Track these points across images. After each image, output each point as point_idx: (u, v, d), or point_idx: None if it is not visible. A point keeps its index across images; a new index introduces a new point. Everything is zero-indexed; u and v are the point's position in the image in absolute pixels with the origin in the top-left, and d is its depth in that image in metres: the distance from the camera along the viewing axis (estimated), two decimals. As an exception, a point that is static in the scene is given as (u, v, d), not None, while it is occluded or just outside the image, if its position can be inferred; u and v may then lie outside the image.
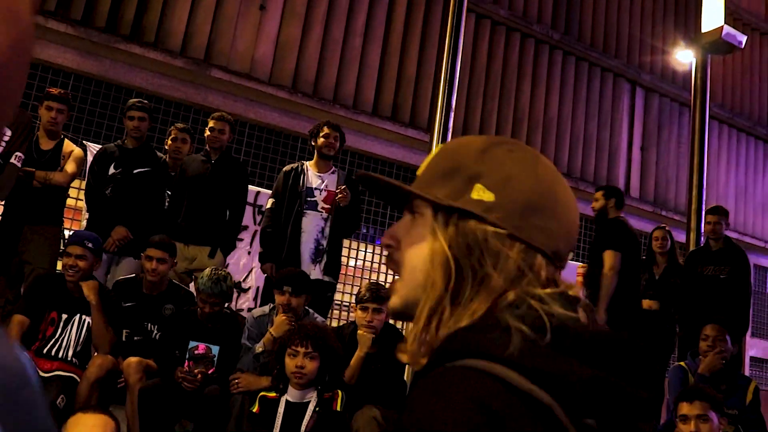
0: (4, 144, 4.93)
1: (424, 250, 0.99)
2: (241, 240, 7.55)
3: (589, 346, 0.86)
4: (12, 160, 4.95)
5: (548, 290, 0.93)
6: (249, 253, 7.47)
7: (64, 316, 4.61)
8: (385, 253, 1.09)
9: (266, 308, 4.85)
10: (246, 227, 7.35)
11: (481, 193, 0.98)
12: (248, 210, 7.16)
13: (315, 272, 5.38)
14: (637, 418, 0.85)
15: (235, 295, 7.43)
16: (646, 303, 6.89)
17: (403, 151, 9.86)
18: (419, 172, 1.07)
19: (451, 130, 7.39)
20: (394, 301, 1.03)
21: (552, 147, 11.04)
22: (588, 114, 11.59)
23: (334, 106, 9.32)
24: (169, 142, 5.99)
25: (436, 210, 0.99)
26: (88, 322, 4.61)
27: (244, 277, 7.52)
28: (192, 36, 8.63)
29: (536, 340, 0.85)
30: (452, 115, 7.23)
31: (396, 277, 1.05)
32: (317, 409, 3.89)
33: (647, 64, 12.40)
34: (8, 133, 4.93)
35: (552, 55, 11.33)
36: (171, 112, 8.64)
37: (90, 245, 4.65)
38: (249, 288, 7.53)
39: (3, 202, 5.33)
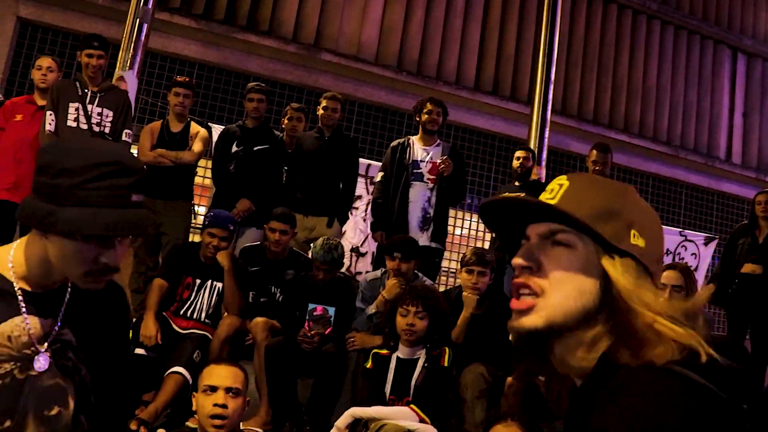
0: (109, 124, 5.18)
1: (582, 281, 1.06)
2: (357, 209, 7.73)
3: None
4: (123, 138, 5.22)
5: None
6: (364, 220, 7.63)
7: (198, 281, 4.85)
8: (516, 273, 1.11)
9: (378, 272, 4.96)
10: (360, 197, 7.52)
11: (636, 239, 1.07)
12: (361, 181, 7.31)
13: (423, 239, 5.44)
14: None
15: (354, 258, 7.63)
16: (749, 267, 6.61)
17: (503, 123, 9.77)
18: (557, 203, 1.10)
19: (550, 102, 7.31)
20: (535, 320, 1.06)
21: (651, 116, 10.69)
22: (688, 82, 11.13)
23: (438, 83, 9.33)
24: (286, 121, 6.16)
25: (596, 246, 1.07)
26: (218, 287, 4.83)
27: (361, 242, 7.68)
28: (302, 23, 8.80)
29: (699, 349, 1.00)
30: (551, 87, 7.14)
31: (530, 296, 1.08)
32: (426, 365, 3.96)
33: (749, 29, 11.78)
34: (110, 114, 5.19)
35: (650, 25, 10.93)
36: (285, 94, 8.85)
37: (231, 228, 4.89)
38: (366, 252, 7.69)
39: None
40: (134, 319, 4.53)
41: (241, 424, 4.36)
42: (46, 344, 1.50)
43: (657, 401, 0.90)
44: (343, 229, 6.91)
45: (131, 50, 5.94)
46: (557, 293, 1.05)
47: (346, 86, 9.08)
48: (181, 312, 4.76)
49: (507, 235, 1.20)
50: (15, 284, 1.49)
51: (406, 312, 3.96)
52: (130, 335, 4.17)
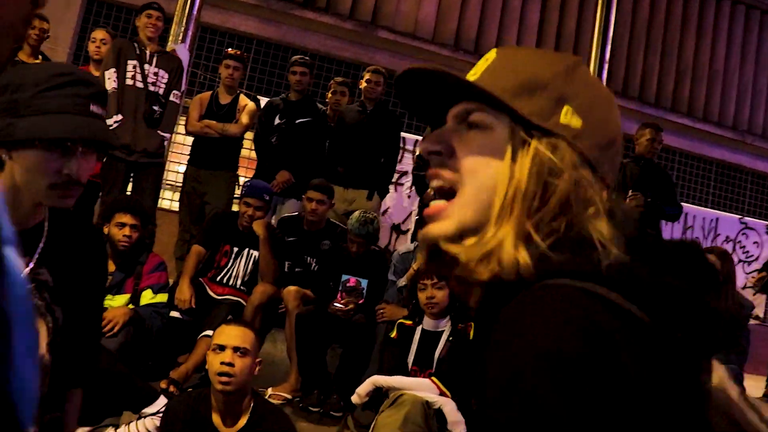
0: (164, 85, 5.25)
1: (496, 170, 0.85)
2: (402, 185, 7.67)
3: (678, 263, 0.79)
4: (171, 98, 5.27)
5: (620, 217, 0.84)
6: (409, 197, 7.57)
7: (236, 249, 4.90)
8: (426, 157, 0.92)
9: (411, 246, 4.92)
10: (406, 173, 7.46)
11: (569, 117, 0.86)
12: (408, 157, 7.25)
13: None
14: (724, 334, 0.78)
15: (394, 236, 7.59)
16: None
17: (561, 105, 9.54)
18: (477, 78, 0.90)
19: (605, 83, 7.08)
20: (447, 226, 0.87)
21: (717, 99, 10.25)
22: (759, 65, 10.62)
23: (494, 63, 9.16)
24: (330, 95, 6.15)
25: (514, 126, 0.86)
26: (255, 256, 4.88)
27: (403, 219, 7.64)
28: (360, 0, 8.75)
29: (626, 259, 0.77)
30: (606, 67, 6.92)
31: (441, 199, 0.90)
32: (450, 338, 3.91)
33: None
34: (165, 75, 5.25)
35: (719, 6, 10.46)
36: (342, 71, 8.83)
37: (267, 198, 4.92)
38: (408, 230, 7.64)
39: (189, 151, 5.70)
40: (171, 282, 4.62)
41: (270, 389, 4.45)
42: None
43: (559, 334, 0.69)
44: (387, 206, 6.85)
45: (183, 24, 5.99)
46: (468, 187, 0.86)
47: (402, 64, 8.98)
48: (218, 278, 4.82)
49: (431, 122, 1.00)
50: None
51: (423, 286, 3.93)
52: (153, 294, 4.25)
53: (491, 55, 0.92)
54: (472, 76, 0.91)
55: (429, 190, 5.01)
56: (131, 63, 5.16)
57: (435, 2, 9.03)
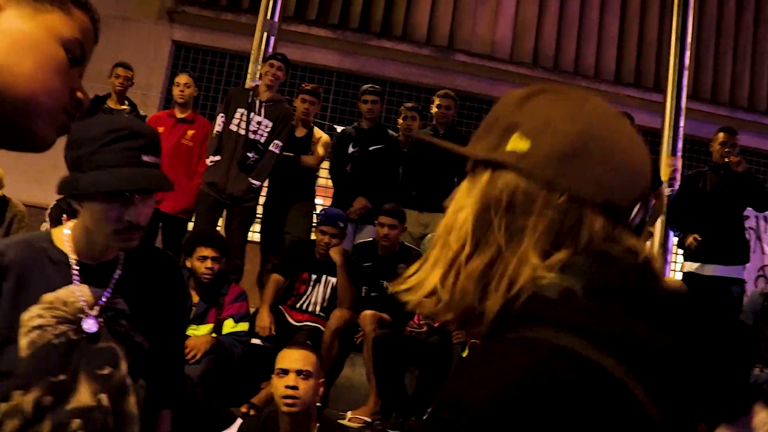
0: (266, 134, 5.50)
1: (455, 208, 0.87)
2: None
3: (664, 310, 0.75)
4: (271, 148, 5.51)
5: (605, 247, 0.79)
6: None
7: (314, 277, 5.05)
8: None
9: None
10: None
11: (516, 143, 0.83)
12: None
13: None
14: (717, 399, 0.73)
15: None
16: None
17: (648, 116, 9.29)
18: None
19: (684, 89, 6.89)
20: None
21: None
22: None
23: (575, 78, 9.07)
24: (401, 120, 6.26)
25: (474, 166, 0.86)
26: (333, 282, 5.01)
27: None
28: (435, 26, 8.88)
29: (600, 302, 0.73)
30: (686, 74, 6.75)
31: None
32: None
33: None
34: (269, 125, 5.50)
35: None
36: (422, 97, 8.93)
37: (341, 224, 5.06)
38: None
39: (267, 183, 5.92)
40: (252, 311, 4.81)
41: (350, 412, 4.54)
42: (96, 309, 1.69)
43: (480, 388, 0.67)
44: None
45: (260, 62, 6.26)
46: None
47: (481, 85, 9.05)
48: (297, 305, 4.98)
49: None
50: (70, 257, 1.70)
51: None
52: (234, 323, 4.44)
53: None
54: None
55: None
56: (240, 111, 5.50)
57: (511, 21, 9.04)
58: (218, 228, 5.52)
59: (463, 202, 0.85)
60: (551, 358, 0.68)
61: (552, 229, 0.79)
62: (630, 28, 9.23)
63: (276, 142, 5.52)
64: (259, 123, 5.50)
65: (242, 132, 5.47)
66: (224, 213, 5.57)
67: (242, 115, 5.50)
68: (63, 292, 1.67)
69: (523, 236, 0.79)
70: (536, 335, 0.71)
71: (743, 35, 9.55)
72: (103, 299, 1.70)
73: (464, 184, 0.87)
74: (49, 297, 1.65)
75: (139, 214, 1.65)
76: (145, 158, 1.64)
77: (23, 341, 1.61)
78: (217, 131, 5.50)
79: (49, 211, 5.39)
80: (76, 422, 1.63)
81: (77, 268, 1.70)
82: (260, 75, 5.73)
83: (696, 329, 0.74)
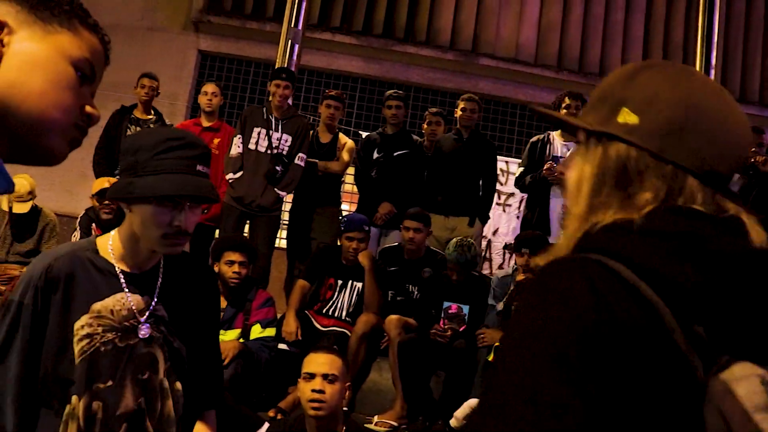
0: (287, 148, 5.56)
1: (574, 174, 0.99)
2: (510, 206, 7.71)
3: (721, 259, 0.83)
4: (296, 161, 5.57)
5: (697, 207, 0.89)
6: (518, 217, 7.58)
7: (340, 282, 5.09)
8: None
9: (509, 269, 4.93)
10: (513, 194, 7.51)
11: (626, 117, 0.94)
12: (512, 180, 7.26)
13: (564, 236, 5.33)
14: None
15: (507, 255, 7.60)
16: None
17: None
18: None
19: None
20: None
21: None
22: None
23: (600, 80, 8.95)
24: (425, 126, 6.28)
25: (588, 136, 0.97)
26: (358, 287, 5.04)
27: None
28: (459, 30, 8.89)
29: (656, 242, 0.84)
30: (712, 73, 6.69)
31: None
32: (547, 359, 3.89)
33: None
34: (289, 139, 5.56)
35: None
36: (446, 102, 8.96)
37: (367, 228, 5.10)
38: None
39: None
40: (279, 316, 4.86)
41: (376, 416, 4.56)
42: (146, 316, 1.76)
43: (555, 287, 0.83)
44: (497, 226, 6.89)
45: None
46: (566, 195, 1.03)
47: (506, 89, 9.06)
48: (324, 311, 5.02)
49: None
50: (116, 266, 1.77)
51: (518, 307, 3.92)
52: (262, 328, 4.49)
53: None
54: None
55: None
56: (256, 130, 5.57)
57: (535, 24, 9.02)
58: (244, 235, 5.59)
59: (580, 169, 0.98)
60: (603, 272, 0.83)
61: (659, 194, 0.91)
62: (655, 29, 9.16)
63: (300, 155, 5.59)
64: (279, 139, 5.56)
65: (261, 150, 5.53)
66: (249, 223, 5.64)
67: (259, 133, 5.56)
68: (110, 301, 1.73)
69: (634, 199, 0.91)
70: (590, 257, 0.86)
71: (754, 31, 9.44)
72: (152, 306, 1.78)
73: (578, 152, 1.00)
74: (97, 306, 1.72)
75: (188, 220, 1.70)
76: (199, 168, 1.70)
77: (76, 349, 1.68)
78: (238, 152, 5.55)
79: (79, 219, 5.50)
80: (122, 427, 1.70)
81: (124, 277, 1.76)
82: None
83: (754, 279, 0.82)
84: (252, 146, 5.55)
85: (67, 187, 8.14)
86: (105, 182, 5.23)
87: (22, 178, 5.90)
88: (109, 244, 1.79)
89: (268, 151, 5.51)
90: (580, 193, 0.96)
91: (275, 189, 5.49)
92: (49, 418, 1.66)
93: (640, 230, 0.86)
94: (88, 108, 0.97)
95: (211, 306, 1.98)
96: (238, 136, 5.60)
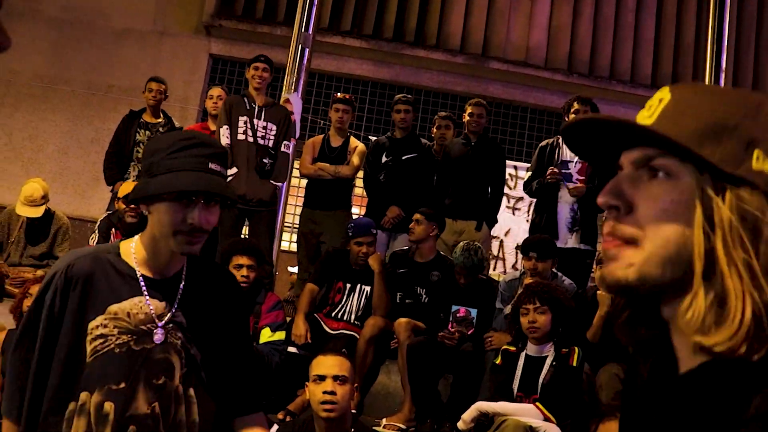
0: (273, 137, 5.63)
1: (685, 223, 0.81)
2: (519, 209, 7.79)
3: None
4: (282, 149, 5.65)
5: None
6: (527, 221, 7.65)
7: (348, 286, 5.16)
8: (604, 215, 0.94)
9: (517, 273, 4.99)
10: (522, 198, 7.58)
11: (761, 163, 0.80)
12: (521, 184, 7.34)
13: (572, 240, 5.39)
14: None
15: (519, 255, 7.68)
16: None
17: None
18: (654, 122, 0.85)
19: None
20: (629, 273, 0.83)
21: None
22: None
23: (611, 83, 9.08)
24: (435, 130, 6.35)
25: (701, 173, 0.81)
26: (367, 291, 5.11)
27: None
28: (469, 34, 8.97)
29: None
30: (722, 75, 6.72)
31: (618, 246, 0.85)
32: (554, 363, 3.95)
33: None
34: (274, 128, 5.63)
35: None
36: (457, 105, 9.03)
37: (374, 231, 5.18)
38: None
39: (303, 193, 6.05)
40: (288, 320, 4.93)
41: (385, 419, 4.63)
42: (163, 321, 1.80)
43: None
44: (509, 227, 6.96)
45: (295, 73, 6.40)
46: (653, 241, 0.82)
47: (516, 93, 9.13)
48: (333, 314, 5.09)
49: (600, 165, 0.96)
50: (137, 270, 1.81)
51: (526, 311, 3.99)
52: (271, 332, 4.56)
53: (664, 95, 0.87)
54: (648, 119, 0.86)
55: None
56: (242, 119, 5.61)
57: (545, 28, 9.09)
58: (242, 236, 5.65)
59: (697, 214, 0.80)
60: None
61: None
62: (666, 31, 9.22)
63: (286, 142, 5.66)
64: (264, 128, 5.62)
65: (251, 139, 5.57)
66: (247, 221, 5.69)
67: (246, 123, 5.61)
68: (128, 304, 1.77)
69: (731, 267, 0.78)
70: None
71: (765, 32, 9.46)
72: (172, 311, 1.82)
73: (653, 184, 0.84)
74: (114, 308, 1.76)
75: (202, 218, 1.72)
76: (212, 166, 1.74)
77: (89, 348, 1.73)
78: (227, 144, 5.52)
79: (98, 224, 5.59)
80: (131, 428, 1.74)
81: (145, 282, 1.80)
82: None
83: None
84: (241, 136, 5.56)
85: (79, 191, 8.27)
86: (131, 186, 5.32)
87: (36, 183, 6.02)
88: (132, 248, 1.83)
89: (257, 142, 5.57)
90: (700, 248, 0.79)
91: (270, 181, 5.56)
92: (53, 411, 1.72)
93: None
94: None
95: (236, 312, 1.99)
96: (225, 126, 5.58)
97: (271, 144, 5.61)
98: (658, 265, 0.81)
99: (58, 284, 1.74)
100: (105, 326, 1.74)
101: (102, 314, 1.75)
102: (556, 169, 5.42)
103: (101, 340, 1.73)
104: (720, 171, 0.79)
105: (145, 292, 1.79)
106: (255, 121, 5.61)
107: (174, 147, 1.73)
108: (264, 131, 5.61)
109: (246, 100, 5.69)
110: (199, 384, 1.84)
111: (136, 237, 1.86)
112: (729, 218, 0.78)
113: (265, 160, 5.49)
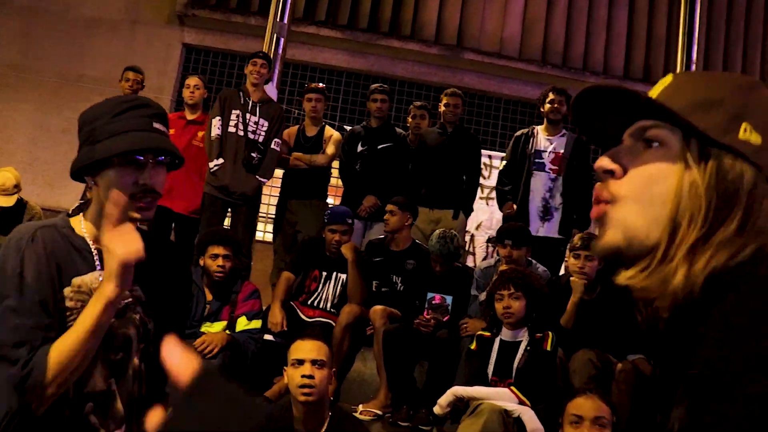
0: (264, 133, 5.68)
1: (670, 183, 0.87)
2: (492, 199, 7.88)
3: None
4: (272, 146, 5.70)
5: None
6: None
7: (324, 274, 5.20)
8: (600, 180, 0.95)
9: (492, 260, 5.07)
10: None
11: (748, 134, 0.86)
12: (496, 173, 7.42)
13: (543, 229, 5.49)
14: None
15: (490, 249, 7.75)
16: None
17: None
18: (657, 95, 0.94)
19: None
20: (614, 235, 0.90)
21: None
22: None
23: (584, 74, 9.18)
24: (410, 119, 6.40)
25: (689, 141, 0.88)
26: (343, 279, 5.16)
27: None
28: (444, 24, 9.01)
29: None
30: (693, 68, 6.86)
31: (604, 207, 0.92)
32: (528, 348, 4.03)
33: None
34: (266, 124, 5.68)
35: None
36: (431, 96, 9.07)
37: (350, 221, 5.22)
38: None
39: (279, 183, 6.08)
40: (265, 308, 4.97)
41: (361, 406, 4.68)
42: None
43: None
44: (481, 220, 7.03)
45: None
46: (638, 201, 0.89)
47: (490, 83, 9.20)
48: (309, 302, 5.13)
49: (606, 143, 1.01)
50: (91, 245, 1.78)
51: (500, 297, 4.06)
52: (247, 320, 4.60)
53: (667, 79, 0.95)
54: (658, 94, 0.94)
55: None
56: (235, 112, 5.67)
57: (519, 19, 9.16)
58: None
59: (682, 178, 0.87)
60: None
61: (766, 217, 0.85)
62: (639, 24, 9.32)
63: (276, 140, 5.72)
64: (256, 123, 5.67)
65: (241, 133, 5.64)
66: (229, 213, 5.76)
67: (238, 116, 5.66)
68: (88, 278, 1.74)
69: (753, 222, 0.85)
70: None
71: (754, 25, 9.61)
72: (132, 285, 1.74)
73: (645, 152, 0.90)
74: (77, 280, 1.73)
75: (153, 179, 1.71)
76: (156, 125, 1.73)
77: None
78: (217, 135, 5.62)
79: (70, 212, 5.57)
80: (88, 405, 1.70)
81: (99, 255, 1.75)
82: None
83: None
84: (231, 129, 5.64)
85: (49, 182, 8.20)
86: None
87: (8, 171, 5.97)
88: (81, 223, 1.79)
89: (246, 135, 5.62)
90: (684, 209, 0.85)
91: (256, 176, 5.61)
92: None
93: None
94: None
95: (181, 289, 1.97)
96: (217, 117, 5.66)
97: (261, 139, 5.66)
98: (643, 224, 0.87)
99: (36, 252, 1.68)
100: (71, 299, 1.70)
101: (68, 286, 1.71)
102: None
103: (67, 313, 1.69)
104: (706, 138, 0.86)
105: (98, 266, 1.74)
106: (248, 115, 5.68)
107: (116, 109, 1.70)
108: (255, 126, 5.68)
109: (241, 95, 5.77)
110: (153, 358, 1.78)
111: (79, 215, 1.82)
112: (697, 185, 0.85)
113: (253, 154, 5.56)
